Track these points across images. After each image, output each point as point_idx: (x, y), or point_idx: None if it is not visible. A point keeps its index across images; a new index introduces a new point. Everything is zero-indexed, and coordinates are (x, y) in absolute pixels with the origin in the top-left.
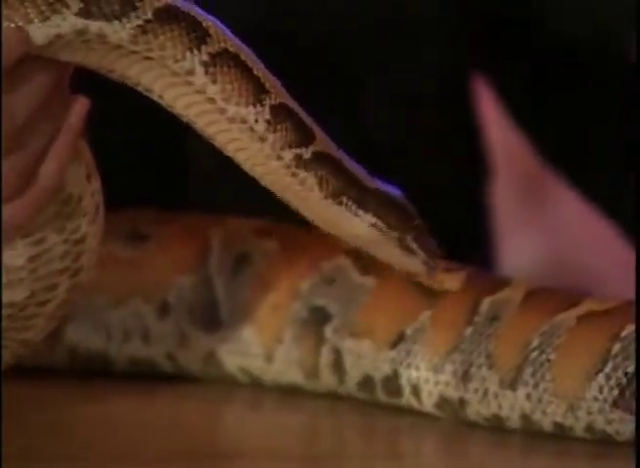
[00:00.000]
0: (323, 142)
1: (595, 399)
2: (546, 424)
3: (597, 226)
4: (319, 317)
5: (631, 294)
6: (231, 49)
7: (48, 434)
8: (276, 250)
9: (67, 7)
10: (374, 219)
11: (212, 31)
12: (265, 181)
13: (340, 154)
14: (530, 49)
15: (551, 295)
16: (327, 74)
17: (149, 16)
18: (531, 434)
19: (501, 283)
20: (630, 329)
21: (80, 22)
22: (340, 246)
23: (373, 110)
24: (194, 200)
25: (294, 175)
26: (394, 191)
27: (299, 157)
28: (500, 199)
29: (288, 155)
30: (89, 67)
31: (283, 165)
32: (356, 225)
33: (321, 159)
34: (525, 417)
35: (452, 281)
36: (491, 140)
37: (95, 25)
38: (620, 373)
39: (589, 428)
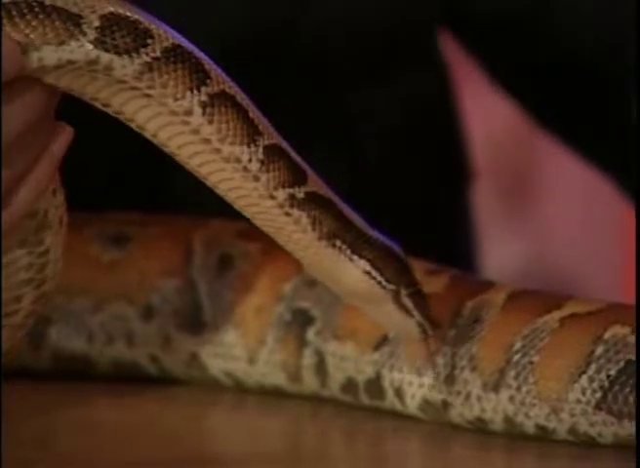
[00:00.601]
0: (316, 184)
1: (578, 401)
2: (529, 427)
3: (584, 230)
4: (302, 319)
5: (614, 299)
6: (229, 90)
7: (32, 438)
8: (259, 252)
9: (84, 34)
10: (368, 267)
11: (212, 74)
12: (258, 222)
13: (334, 197)
14: (532, 48)
15: (534, 298)
16: (314, 79)
17: (158, 53)
18: (514, 436)
19: (484, 285)
20: (613, 331)
21: (94, 52)
22: None
23: (358, 121)
24: (178, 203)
25: (287, 214)
26: (392, 243)
27: (292, 196)
28: (484, 203)
29: (281, 195)
30: (83, 97)
31: (276, 204)
32: (350, 271)
33: (314, 199)
34: (508, 420)
35: (434, 283)
36: (475, 139)
37: (106, 57)
38: (602, 376)
39: (572, 430)
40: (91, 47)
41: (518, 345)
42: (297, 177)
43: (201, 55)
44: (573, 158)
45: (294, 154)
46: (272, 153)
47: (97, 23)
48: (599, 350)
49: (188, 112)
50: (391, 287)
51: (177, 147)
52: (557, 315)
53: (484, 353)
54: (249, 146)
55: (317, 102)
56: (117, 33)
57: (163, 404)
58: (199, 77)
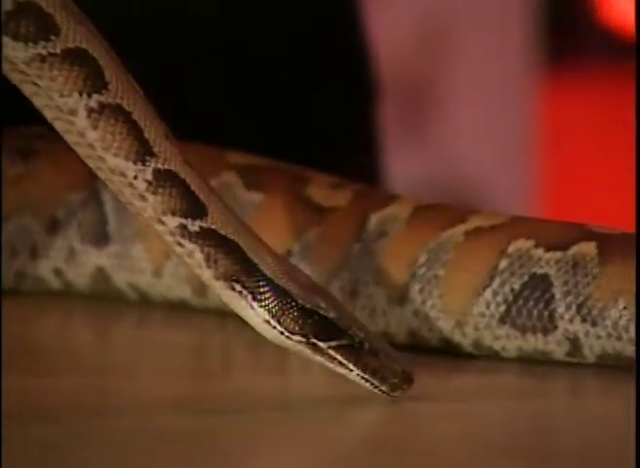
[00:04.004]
0: (218, 222)
1: (482, 315)
2: (434, 340)
3: (489, 140)
4: None
5: (521, 208)
6: (126, 107)
7: None
8: None
9: None
10: (267, 316)
11: (111, 86)
12: (166, 245)
13: (244, 239)
14: None
15: (439, 212)
16: None
17: (57, 51)
18: (419, 350)
19: (389, 199)
20: (517, 245)
21: None
22: (227, 162)
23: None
24: None
25: (179, 244)
26: (315, 294)
27: (183, 227)
28: (387, 116)
29: (171, 222)
30: None
31: (167, 231)
32: (252, 319)
33: (210, 236)
34: (413, 334)
35: (339, 197)
36: (377, 49)
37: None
38: (506, 289)
39: (476, 344)
40: None
41: (423, 259)
42: (192, 209)
43: (111, 66)
44: (476, 68)
45: (198, 187)
46: (164, 178)
47: (9, 7)
48: (503, 264)
49: (73, 112)
50: (297, 338)
51: (72, 144)
52: (462, 229)
53: (389, 267)
54: (135, 164)
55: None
56: (24, 21)
57: (67, 317)
58: (95, 84)
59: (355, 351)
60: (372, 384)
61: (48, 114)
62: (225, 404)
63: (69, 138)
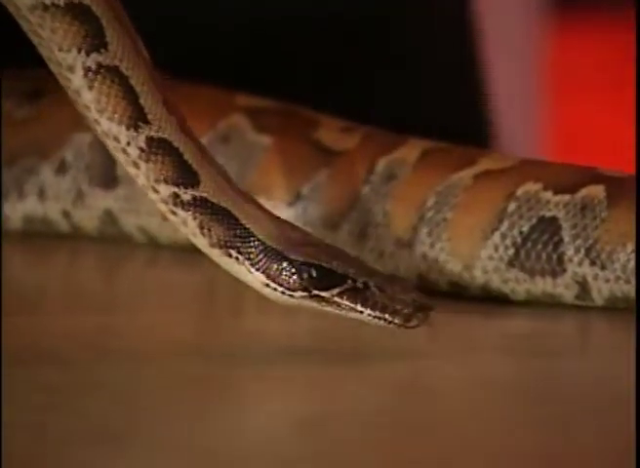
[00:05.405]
0: (211, 190)
1: (491, 258)
2: (443, 284)
3: (500, 85)
4: None
5: (530, 150)
6: (124, 70)
7: None
8: None
9: None
10: (265, 279)
11: (111, 47)
12: (162, 214)
13: (236, 205)
14: None
15: (448, 154)
16: None
17: (60, 2)
18: (427, 292)
19: (398, 142)
20: (526, 187)
21: None
22: (236, 104)
23: None
24: None
25: (173, 213)
26: (304, 252)
27: (176, 195)
28: None
29: (164, 190)
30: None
31: (160, 199)
32: (253, 283)
33: (203, 205)
34: (421, 277)
35: (348, 140)
36: None
37: None
38: (515, 232)
39: (485, 287)
40: None
41: (431, 202)
42: (184, 178)
43: (114, 26)
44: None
45: (191, 155)
46: (157, 146)
47: None
48: (512, 206)
49: (70, 68)
50: (300, 294)
51: (72, 101)
52: (471, 171)
53: (397, 210)
54: (128, 129)
55: None
56: None
57: (75, 259)
58: (94, 43)
59: (361, 292)
60: (385, 320)
61: (51, 67)
62: (233, 345)
63: (70, 97)
